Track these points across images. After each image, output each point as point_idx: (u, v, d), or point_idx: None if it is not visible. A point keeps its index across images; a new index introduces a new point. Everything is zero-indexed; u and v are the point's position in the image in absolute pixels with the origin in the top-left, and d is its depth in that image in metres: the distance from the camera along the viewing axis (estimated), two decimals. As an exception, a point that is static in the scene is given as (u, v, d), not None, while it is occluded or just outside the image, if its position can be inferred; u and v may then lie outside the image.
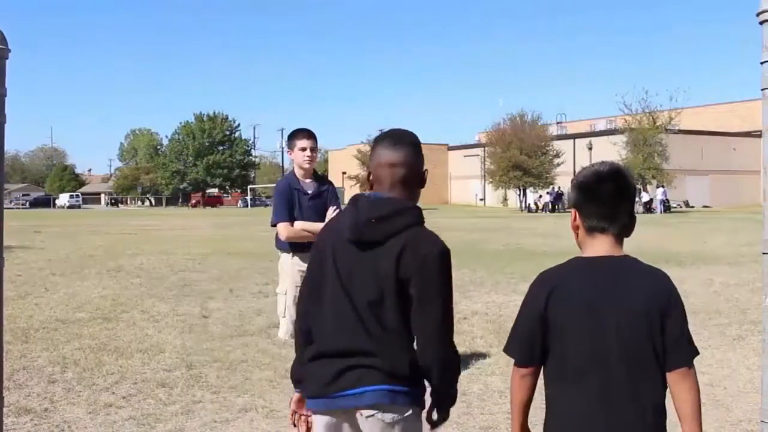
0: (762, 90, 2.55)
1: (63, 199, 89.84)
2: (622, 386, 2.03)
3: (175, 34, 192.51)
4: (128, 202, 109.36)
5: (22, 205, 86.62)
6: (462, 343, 6.29)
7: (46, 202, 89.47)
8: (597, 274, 2.11)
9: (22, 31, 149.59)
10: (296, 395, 2.48)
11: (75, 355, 6.30)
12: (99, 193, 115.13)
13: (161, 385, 5.34)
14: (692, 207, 53.80)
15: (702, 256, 15.00)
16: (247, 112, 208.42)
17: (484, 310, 8.55)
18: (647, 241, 19.15)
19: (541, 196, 52.21)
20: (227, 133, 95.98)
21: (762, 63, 2.55)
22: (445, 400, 2.34)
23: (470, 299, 9.26)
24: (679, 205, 51.90)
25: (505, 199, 61.63)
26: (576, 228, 2.23)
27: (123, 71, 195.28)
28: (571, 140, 59.23)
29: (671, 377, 2.04)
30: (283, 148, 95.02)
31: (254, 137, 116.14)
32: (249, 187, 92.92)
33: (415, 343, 2.25)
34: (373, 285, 2.20)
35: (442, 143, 79.82)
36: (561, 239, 20.11)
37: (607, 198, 2.16)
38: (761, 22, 2.55)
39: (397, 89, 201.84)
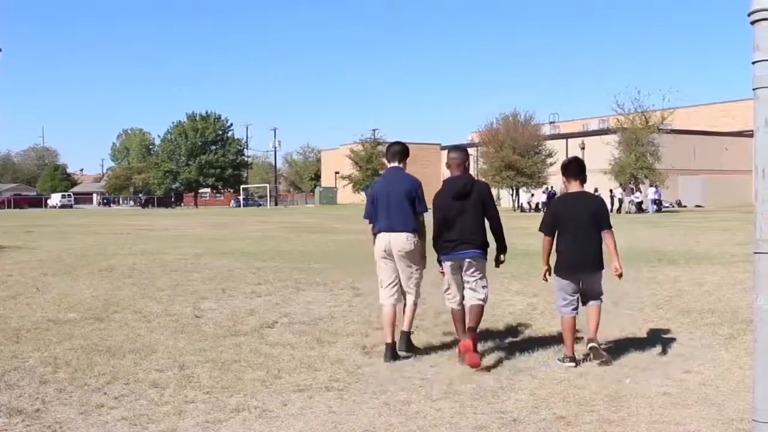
0: (754, 90, 2.55)
1: (55, 198, 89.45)
2: (585, 236, 5.96)
3: (167, 33, 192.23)
4: (120, 202, 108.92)
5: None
6: (454, 343, 6.29)
7: (38, 202, 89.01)
8: (575, 198, 6.12)
9: (14, 31, 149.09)
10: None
11: (67, 355, 6.27)
12: (91, 193, 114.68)
13: (153, 386, 5.32)
14: (684, 206, 53.98)
15: (694, 255, 15.05)
16: (239, 112, 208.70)
17: (477, 310, 8.53)
18: (640, 240, 19.21)
19: (533, 195, 52.13)
20: (220, 132, 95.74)
21: (754, 63, 2.55)
22: (504, 249, 6.16)
23: (463, 299, 9.21)
24: (671, 204, 52.07)
25: (498, 199, 61.72)
26: (564, 182, 6.19)
27: (115, 70, 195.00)
28: (564, 140, 59.39)
29: (603, 234, 5.96)
30: (275, 147, 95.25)
31: (247, 137, 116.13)
32: (242, 186, 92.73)
33: (488, 226, 6.04)
34: (467, 209, 5.95)
35: (434, 143, 79.87)
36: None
37: (574, 169, 6.16)
38: (753, 22, 2.55)
39: (389, 89, 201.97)
